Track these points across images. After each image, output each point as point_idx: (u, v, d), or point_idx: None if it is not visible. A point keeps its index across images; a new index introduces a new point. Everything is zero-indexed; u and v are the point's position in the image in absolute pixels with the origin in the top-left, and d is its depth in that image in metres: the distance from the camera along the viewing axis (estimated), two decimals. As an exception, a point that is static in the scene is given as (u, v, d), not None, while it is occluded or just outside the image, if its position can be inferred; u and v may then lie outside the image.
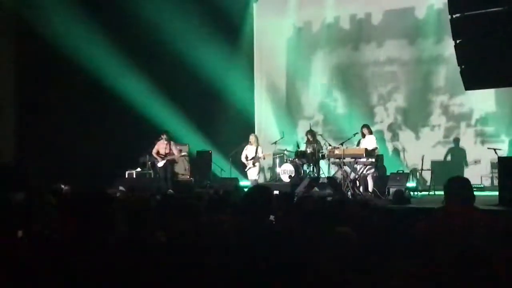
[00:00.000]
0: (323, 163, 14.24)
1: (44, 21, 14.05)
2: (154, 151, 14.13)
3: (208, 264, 3.30)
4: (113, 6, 14.49)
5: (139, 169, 14.70)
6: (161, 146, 14.11)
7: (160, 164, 14.05)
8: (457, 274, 2.82)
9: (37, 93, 14.49)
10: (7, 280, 3.24)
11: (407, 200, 10.84)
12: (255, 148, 13.92)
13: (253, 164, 13.85)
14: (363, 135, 12.90)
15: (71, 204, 3.72)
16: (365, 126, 13.08)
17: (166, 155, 14.02)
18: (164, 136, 14.09)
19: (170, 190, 12.85)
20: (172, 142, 14.17)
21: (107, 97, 14.71)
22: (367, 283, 2.96)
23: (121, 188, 12.47)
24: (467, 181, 4.55)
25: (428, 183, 13.73)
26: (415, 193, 12.89)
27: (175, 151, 14.09)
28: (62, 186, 10.15)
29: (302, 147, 14.34)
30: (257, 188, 4.99)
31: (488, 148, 12.91)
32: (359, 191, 12.27)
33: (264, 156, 13.96)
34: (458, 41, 9.60)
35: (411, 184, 13.18)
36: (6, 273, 3.27)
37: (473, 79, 10.08)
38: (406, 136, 15.20)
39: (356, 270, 3.07)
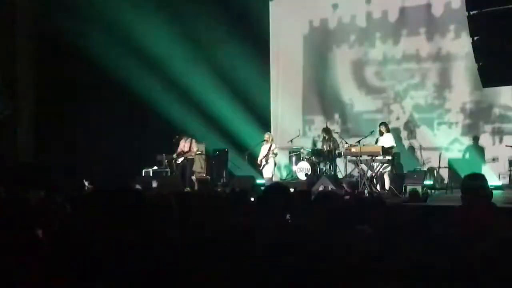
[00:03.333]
0: (339, 161, 14.24)
1: (63, 22, 14.18)
2: (178, 150, 14.16)
3: (225, 262, 3.32)
4: (130, 5, 14.56)
5: (155, 167, 14.77)
6: (182, 144, 14.15)
7: (179, 161, 14.09)
8: (479, 272, 2.81)
9: (56, 92, 14.62)
10: (28, 278, 3.28)
11: (423, 199, 10.82)
12: (269, 146, 13.91)
13: (266, 161, 13.84)
14: (381, 133, 12.86)
15: (99, 202, 3.75)
16: (383, 124, 13.04)
17: (186, 152, 14.07)
18: (185, 135, 14.14)
19: (187, 188, 12.92)
20: (193, 140, 14.20)
21: (124, 96, 14.80)
22: (384, 281, 2.96)
23: (137, 186, 12.54)
24: (483, 177, 4.54)
25: (446, 181, 13.66)
26: (433, 191, 12.84)
27: (194, 149, 14.14)
28: (85, 183, 10.24)
29: (319, 145, 14.33)
30: (274, 186, 5.00)
31: (506, 146, 12.82)
32: (376, 189, 12.25)
33: (273, 151, 13.87)
34: (475, 38, 9.54)
35: (428, 182, 13.12)
36: (27, 271, 3.31)
37: (490, 76, 10.02)
38: (423, 133, 15.12)
39: (375, 267, 3.08)
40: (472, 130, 14.60)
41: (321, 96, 16.67)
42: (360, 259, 3.18)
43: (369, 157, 12.23)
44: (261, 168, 14.01)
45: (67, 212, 4.42)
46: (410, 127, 15.33)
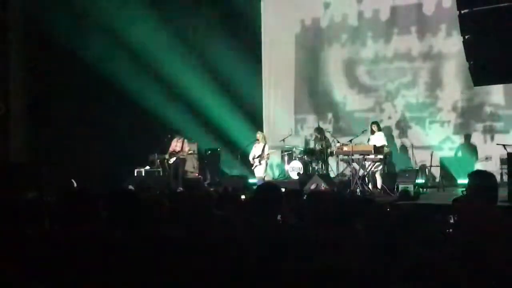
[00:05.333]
0: (331, 160, 14.26)
1: (53, 21, 14.14)
2: (170, 150, 14.21)
3: (218, 261, 3.32)
4: (122, 5, 14.52)
5: (148, 167, 14.74)
6: (174, 144, 14.18)
7: (171, 161, 14.11)
8: (473, 271, 2.82)
9: (48, 92, 14.58)
10: (19, 277, 3.27)
11: (414, 198, 10.88)
12: (262, 145, 13.94)
13: (259, 162, 13.87)
14: (372, 132, 12.91)
15: (94, 202, 3.75)
16: (374, 123, 13.10)
17: (178, 152, 14.09)
18: (177, 135, 14.18)
19: (180, 188, 12.92)
20: (185, 140, 14.24)
21: (116, 96, 14.77)
22: (377, 280, 2.96)
23: (130, 187, 12.52)
24: (492, 176, 4.36)
25: (437, 180, 13.70)
26: (424, 189, 12.88)
27: (186, 149, 14.16)
28: (74, 182, 10.21)
29: (311, 144, 14.35)
30: (265, 185, 5.00)
31: (497, 144, 12.86)
32: (368, 188, 12.28)
33: (268, 156, 13.95)
34: (466, 37, 9.57)
35: (420, 180, 13.16)
36: (18, 271, 3.30)
37: (481, 74, 10.05)
38: (414, 132, 15.15)
39: (366, 267, 3.08)
40: (464, 129, 14.63)
41: (313, 95, 16.68)
42: (352, 258, 3.19)
43: (361, 156, 12.27)
44: (253, 168, 14.03)
45: (58, 212, 4.41)
46: (402, 126, 15.36)
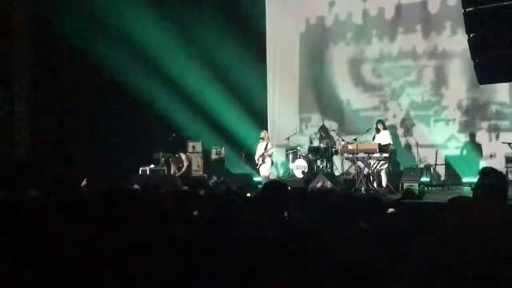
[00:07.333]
0: (336, 159, 14.24)
1: (58, 21, 14.17)
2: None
3: (224, 260, 3.31)
4: (127, 5, 14.53)
5: (152, 166, 14.75)
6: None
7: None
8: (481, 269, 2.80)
9: (52, 90, 14.59)
10: (24, 279, 3.27)
11: (419, 197, 10.86)
12: (265, 144, 13.93)
13: (263, 160, 13.86)
14: (378, 131, 12.88)
15: (95, 202, 3.75)
16: (380, 121, 13.07)
17: None
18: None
19: (185, 186, 12.91)
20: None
21: (120, 95, 14.79)
22: (384, 278, 2.95)
23: (135, 186, 12.52)
24: (505, 179, 4.21)
25: (442, 178, 13.67)
26: (429, 188, 12.86)
27: None
28: (84, 181, 10.20)
29: (316, 143, 14.33)
30: (271, 184, 4.99)
31: (503, 143, 12.83)
32: (373, 186, 12.25)
33: (267, 152, 13.92)
34: (471, 35, 9.54)
35: (425, 179, 13.14)
36: (22, 271, 3.30)
37: (487, 73, 10.02)
38: (419, 131, 15.13)
39: (370, 265, 3.07)
40: (469, 127, 14.60)
41: (318, 94, 16.67)
42: (357, 256, 3.18)
43: (366, 155, 12.23)
44: (258, 167, 14.02)
45: (62, 211, 4.41)
46: (407, 124, 15.34)
